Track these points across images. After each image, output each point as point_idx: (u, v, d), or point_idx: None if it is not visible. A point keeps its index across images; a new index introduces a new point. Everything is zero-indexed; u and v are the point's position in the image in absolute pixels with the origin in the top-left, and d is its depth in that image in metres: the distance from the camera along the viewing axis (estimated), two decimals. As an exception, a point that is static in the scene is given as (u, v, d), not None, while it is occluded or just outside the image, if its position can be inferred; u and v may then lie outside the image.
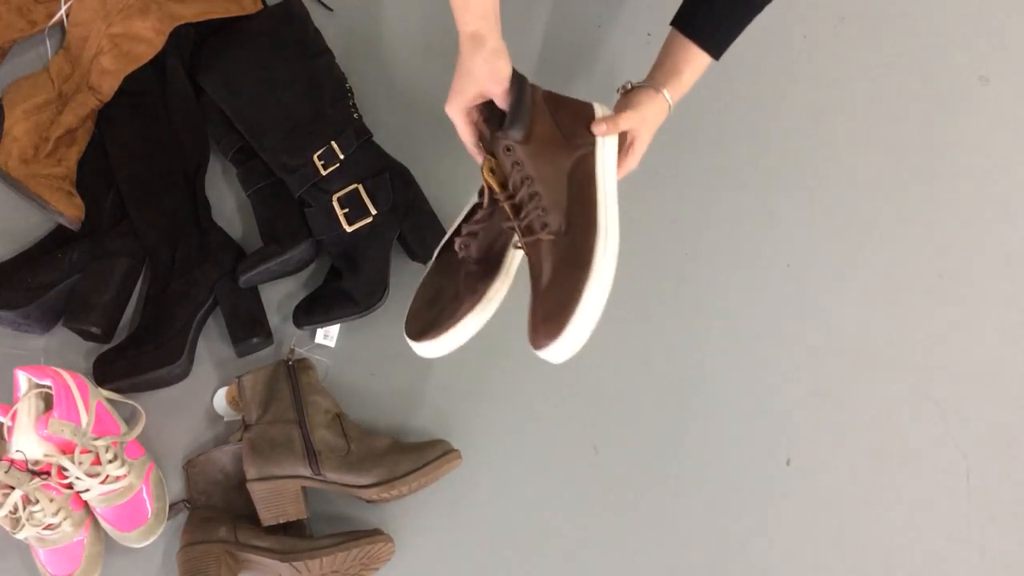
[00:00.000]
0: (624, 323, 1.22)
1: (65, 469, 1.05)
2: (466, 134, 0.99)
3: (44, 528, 1.06)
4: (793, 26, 1.33)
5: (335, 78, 1.22)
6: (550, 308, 0.92)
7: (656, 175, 1.27)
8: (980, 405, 1.22)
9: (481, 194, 1.01)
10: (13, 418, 1.05)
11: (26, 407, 1.05)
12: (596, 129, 0.98)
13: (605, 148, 0.98)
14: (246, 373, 1.14)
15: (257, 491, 1.09)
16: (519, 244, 0.96)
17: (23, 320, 1.15)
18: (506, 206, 0.96)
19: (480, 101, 0.97)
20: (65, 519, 1.07)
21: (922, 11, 1.34)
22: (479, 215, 1.00)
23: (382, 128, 1.24)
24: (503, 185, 0.96)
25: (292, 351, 1.19)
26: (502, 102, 0.96)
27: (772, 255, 1.26)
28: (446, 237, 1.06)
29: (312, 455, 1.09)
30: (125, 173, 1.21)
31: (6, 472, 1.03)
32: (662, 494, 1.18)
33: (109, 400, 1.14)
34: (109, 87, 1.19)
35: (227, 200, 1.25)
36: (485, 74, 0.95)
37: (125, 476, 1.09)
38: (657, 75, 1.02)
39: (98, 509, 1.10)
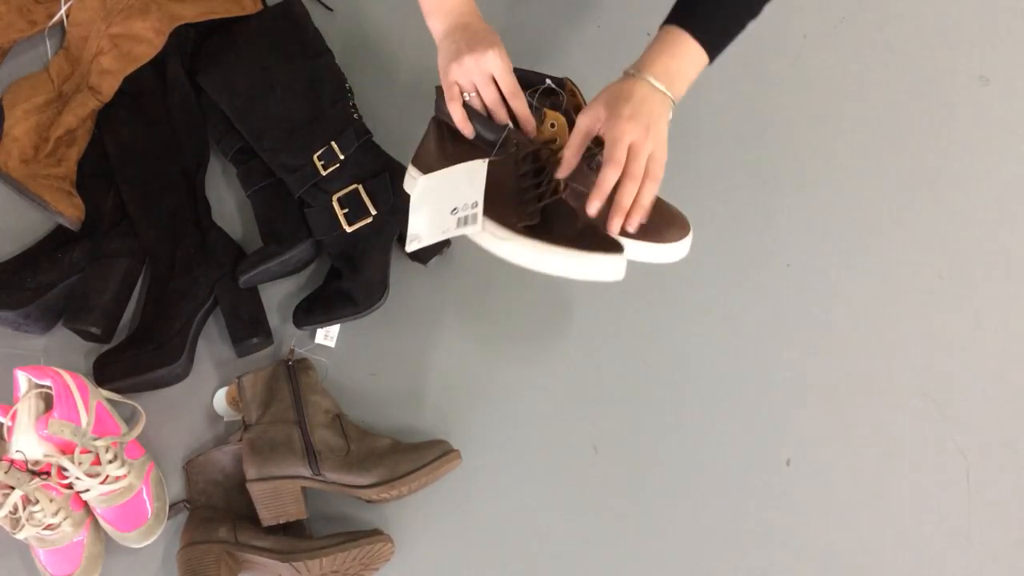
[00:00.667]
0: (624, 323, 1.22)
1: (65, 469, 1.05)
2: (457, 108, 1.00)
3: (44, 528, 1.06)
4: (793, 26, 1.33)
5: (335, 78, 1.22)
6: (663, 207, 1.04)
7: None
8: (980, 405, 1.22)
9: (547, 159, 1.01)
10: (13, 418, 1.05)
11: (26, 407, 1.05)
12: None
13: None
14: (246, 373, 1.14)
15: (257, 491, 1.09)
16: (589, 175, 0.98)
17: (23, 320, 1.15)
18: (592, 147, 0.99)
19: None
20: (65, 519, 1.07)
21: (922, 11, 1.34)
22: (553, 148, 1.02)
23: (382, 128, 1.24)
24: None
25: (292, 351, 1.19)
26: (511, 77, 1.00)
27: (772, 255, 1.26)
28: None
29: (312, 455, 1.09)
30: (125, 173, 1.21)
31: (6, 472, 1.03)
32: (662, 494, 1.18)
33: (109, 400, 1.14)
34: (109, 87, 1.19)
35: (227, 200, 1.25)
36: (487, 45, 0.96)
37: (125, 476, 1.09)
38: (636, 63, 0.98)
39: (98, 509, 1.10)
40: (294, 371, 1.15)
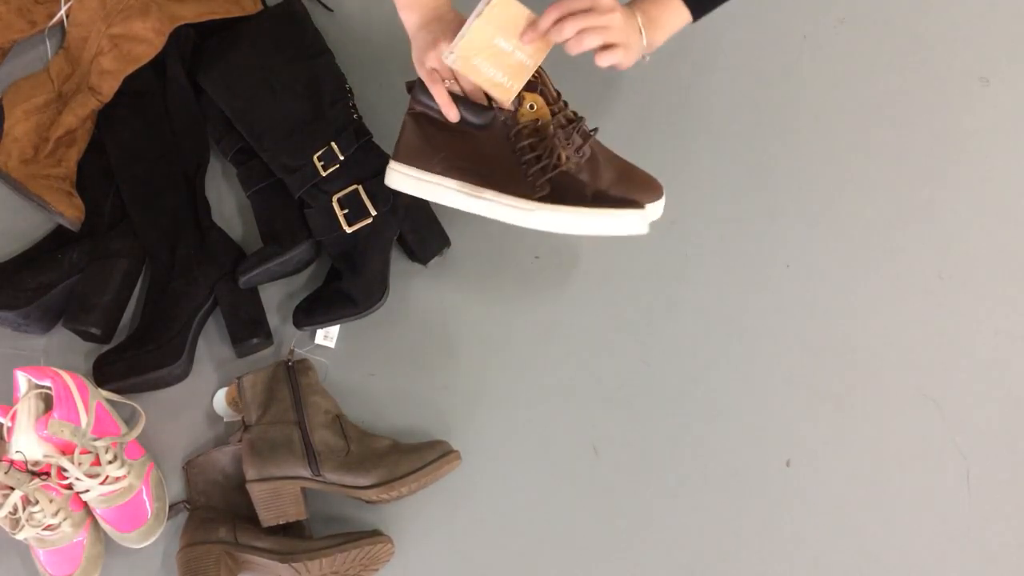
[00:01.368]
0: (624, 323, 1.22)
1: (65, 470, 1.05)
2: (440, 91, 1.04)
3: (44, 529, 1.06)
4: (793, 26, 1.33)
5: (335, 78, 1.22)
6: (639, 170, 1.11)
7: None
8: (980, 405, 1.22)
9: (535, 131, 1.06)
10: (13, 419, 1.05)
11: (26, 408, 1.05)
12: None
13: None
14: (246, 374, 1.14)
15: (257, 492, 1.09)
16: (582, 146, 1.06)
17: (23, 320, 1.15)
18: (562, 116, 1.07)
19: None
20: (65, 520, 1.07)
21: (922, 11, 1.34)
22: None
23: (382, 128, 1.23)
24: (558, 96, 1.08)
25: (292, 352, 1.19)
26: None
27: (772, 255, 1.26)
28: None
29: (312, 456, 1.09)
30: (125, 173, 1.21)
31: (6, 473, 1.03)
32: (662, 494, 1.18)
33: (109, 401, 1.14)
34: (109, 87, 1.19)
35: (227, 200, 1.25)
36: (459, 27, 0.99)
37: (125, 477, 1.09)
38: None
39: (98, 510, 1.10)
40: (294, 371, 1.15)
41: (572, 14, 0.96)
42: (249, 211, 1.23)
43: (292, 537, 1.11)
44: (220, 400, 1.18)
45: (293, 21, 1.24)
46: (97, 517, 1.11)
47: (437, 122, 1.06)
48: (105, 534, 1.13)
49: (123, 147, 1.22)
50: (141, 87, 1.22)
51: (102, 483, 1.07)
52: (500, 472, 1.18)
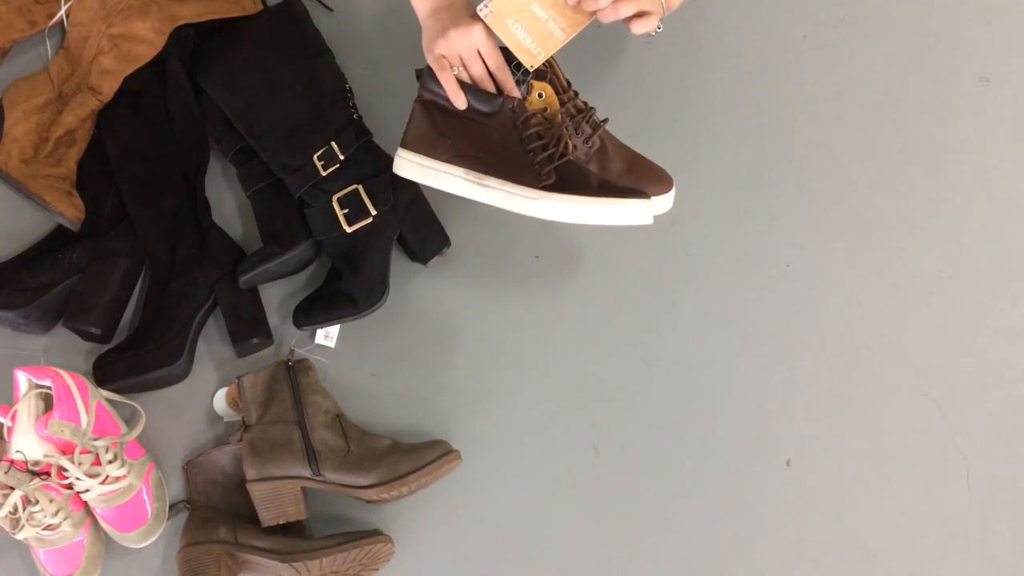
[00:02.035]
0: (624, 323, 1.22)
1: (65, 469, 1.05)
2: (448, 78, 1.04)
3: (44, 528, 1.06)
4: (793, 26, 1.33)
5: (335, 78, 1.22)
6: (648, 161, 1.11)
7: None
8: (980, 405, 1.22)
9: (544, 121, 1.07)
10: (13, 418, 1.05)
11: (26, 407, 1.05)
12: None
13: None
14: (246, 373, 1.14)
15: (257, 492, 1.09)
16: (591, 136, 1.08)
17: (23, 320, 1.15)
18: (572, 106, 1.07)
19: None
20: (65, 519, 1.07)
21: (922, 11, 1.34)
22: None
23: (382, 128, 1.23)
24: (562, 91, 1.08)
25: (292, 351, 1.19)
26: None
27: (772, 255, 1.26)
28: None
29: (312, 456, 1.09)
30: (125, 173, 1.21)
31: (6, 472, 1.03)
32: (662, 494, 1.18)
33: (109, 400, 1.14)
34: (109, 87, 1.19)
35: (227, 200, 1.25)
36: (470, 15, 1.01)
37: (125, 476, 1.09)
38: None
39: (98, 509, 1.10)
40: (294, 371, 1.15)
41: None
42: (249, 211, 1.23)
43: (292, 537, 1.11)
44: (220, 400, 1.18)
45: (293, 21, 1.24)
46: (97, 517, 1.11)
47: (445, 110, 1.06)
48: (105, 534, 1.13)
49: (123, 147, 1.22)
50: (141, 87, 1.22)
51: (102, 483, 1.07)
52: (500, 472, 1.18)
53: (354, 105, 1.22)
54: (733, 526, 1.18)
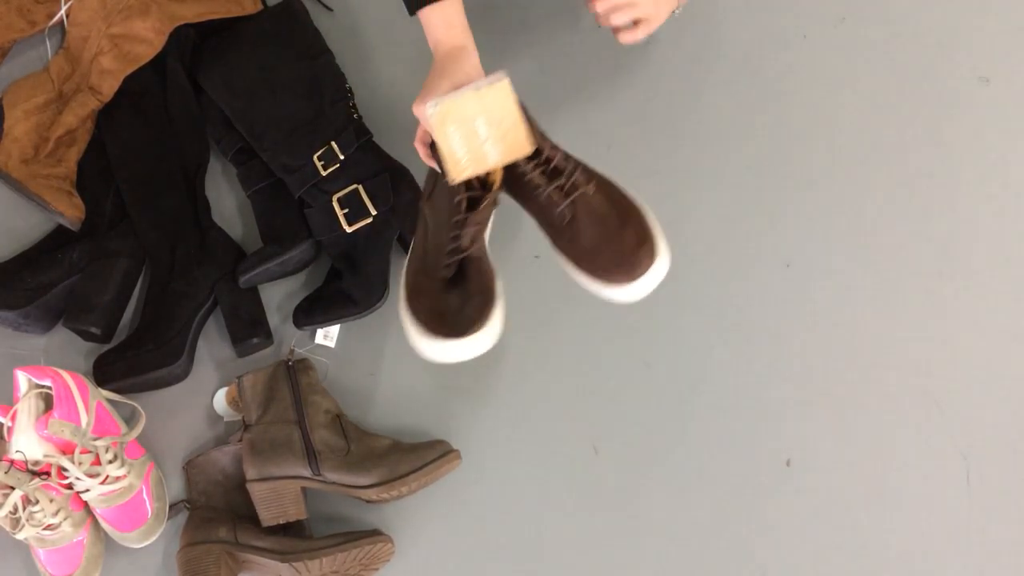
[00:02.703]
0: (624, 323, 1.22)
1: (65, 469, 1.05)
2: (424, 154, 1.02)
3: (44, 528, 1.06)
4: (793, 26, 1.33)
5: (335, 78, 1.22)
6: (631, 245, 0.98)
7: (655, 175, 1.27)
8: (980, 405, 1.22)
9: (469, 187, 1.00)
10: (13, 418, 1.05)
11: (26, 407, 1.05)
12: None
13: None
14: (246, 373, 1.14)
15: (257, 491, 1.09)
16: (559, 209, 0.98)
17: (23, 320, 1.15)
18: (535, 175, 0.98)
19: None
20: (65, 519, 1.07)
21: (922, 11, 1.34)
22: (484, 204, 0.99)
23: (382, 128, 1.24)
24: (534, 155, 0.99)
25: (292, 351, 1.19)
26: None
27: (772, 255, 1.26)
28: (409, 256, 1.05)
29: (312, 455, 1.09)
30: (125, 173, 1.21)
31: (6, 472, 1.03)
32: (662, 494, 1.18)
33: (109, 400, 1.14)
34: (109, 87, 1.19)
35: (227, 200, 1.25)
36: (472, 77, 0.96)
37: (125, 476, 1.09)
38: None
39: (98, 509, 1.10)
40: (294, 371, 1.15)
41: None
42: (249, 211, 1.23)
43: (292, 537, 1.11)
44: (220, 400, 1.18)
45: (293, 21, 1.24)
46: (97, 517, 1.11)
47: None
48: (105, 534, 1.13)
49: (123, 147, 1.22)
50: (141, 87, 1.22)
51: (102, 483, 1.07)
52: (500, 472, 1.18)
53: (354, 105, 1.22)
54: (733, 526, 1.18)
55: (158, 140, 1.22)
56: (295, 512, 1.10)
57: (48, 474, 1.06)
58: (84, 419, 1.06)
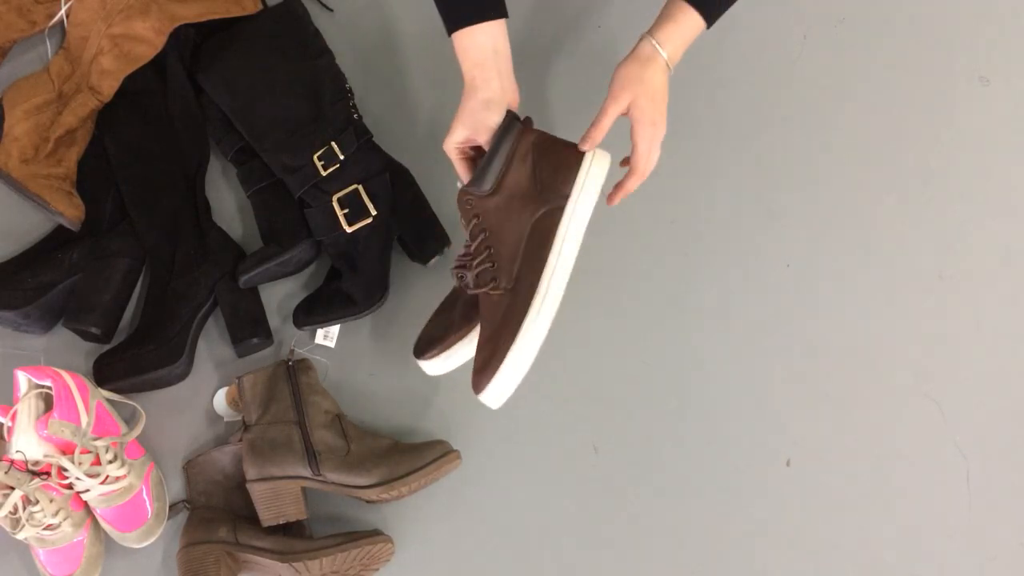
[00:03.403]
0: (624, 323, 1.22)
1: (65, 469, 1.05)
2: (461, 169, 1.01)
3: (44, 528, 1.06)
4: (793, 26, 1.33)
5: (335, 78, 1.22)
6: (484, 359, 0.95)
7: (655, 175, 1.26)
8: (980, 405, 1.22)
9: None
10: (13, 418, 1.05)
11: (26, 407, 1.05)
12: (582, 145, 0.98)
13: (577, 205, 0.97)
14: (246, 373, 1.14)
15: (257, 491, 1.09)
16: (470, 289, 0.98)
17: (23, 320, 1.15)
18: (464, 251, 0.99)
19: (469, 144, 0.99)
20: (65, 519, 1.07)
21: (922, 11, 1.34)
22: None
23: (382, 128, 1.24)
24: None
25: (292, 351, 1.19)
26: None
27: (772, 255, 1.26)
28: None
29: (312, 455, 1.09)
30: (125, 173, 1.21)
31: (6, 472, 1.03)
32: (662, 494, 1.18)
33: (109, 400, 1.14)
34: (109, 87, 1.19)
35: (227, 200, 1.25)
36: (471, 123, 0.96)
37: (125, 476, 1.09)
38: (645, 35, 0.99)
39: (98, 509, 1.10)
40: (294, 371, 1.15)
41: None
42: (249, 211, 1.23)
43: (292, 537, 1.11)
44: (220, 400, 1.18)
45: (293, 21, 1.24)
46: (97, 517, 1.11)
47: None
48: (105, 534, 1.13)
49: (123, 147, 1.22)
50: (141, 87, 1.22)
51: (102, 483, 1.07)
52: (500, 472, 1.18)
53: (354, 105, 1.22)
54: (733, 526, 1.18)
55: (158, 140, 1.22)
56: (295, 512, 1.10)
57: (48, 474, 1.06)
58: (84, 419, 1.06)
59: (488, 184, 0.96)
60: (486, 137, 0.97)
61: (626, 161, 1.01)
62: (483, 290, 0.96)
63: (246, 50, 1.22)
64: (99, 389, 1.12)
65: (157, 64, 1.22)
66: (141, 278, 1.22)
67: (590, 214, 0.98)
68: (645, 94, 0.96)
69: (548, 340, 1.22)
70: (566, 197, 0.97)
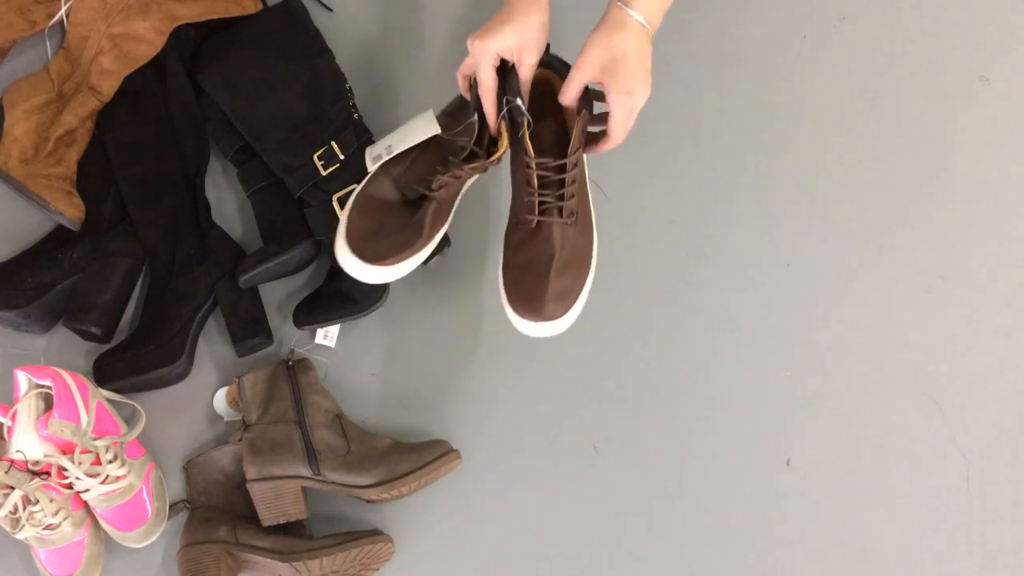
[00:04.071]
0: (624, 323, 1.22)
1: (65, 469, 1.05)
2: (488, 77, 0.97)
3: (44, 528, 1.06)
4: (793, 26, 1.33)
5: (335, 78, 1.22)
6: (565, 287, 0.99)
7: (655, 175, 1.27)
8: (980, 405, 1.22)
9: (477, 141, 1.02)
10: (13, 418, 1.05)
11: (26, 407, 1.05)
12: (561, 99, 0.98)
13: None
14: (246, 373, 1.14)
15: (257, 491, 1.09)
16: (529, 216, 0.99)
17: (23, 320, 1.15)
18: (534, 175, 0.99)
19: (505, 55, 0.96)
20: (65, 519, 1.07)
21: (922, 11, 1.34)
22: (476, 163, 1.01)
23: (382, 128, 1.23)
24: (550, 154, 0.99)
25: (292, 351, 1.19)
26: (525, 70, 0.97)
27: (772, 255, 1.26)
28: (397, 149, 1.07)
29: (312, 455, 1.09)
30: (125, 173, 1.21)
31: (6, 472, 1.03)
32: (662, 494, 1.18)
33: (109, 400, 1.14)
34: (109, 87, 1.19)
35: (227, 200, 1.25)
36: (528, 38, 0.94)
37: (125, 476, 1.09)
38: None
39: (98, 509, 1.10)
40: (294, 371, 1.15)
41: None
42: (249, 211, 1.23)
43: (292, 536, 1.11)
44: (220, 400, 1.18)
45: (293, 21, 1.24)
46: (97, 517, 1.11)
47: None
48: (105, 534, 1.13)
49: (123, 147, 1.22)
50: (141, 87, 1.22)
51: (102, 483, 1.07)
52: (500, 472, 1.18)
53: (354, 105, 1.22)
54: (733, 526, 1.18)
55: (158, 140, 1.22)
56: (295, 512, 1.10)
57: (48, 474, 1.06)
58: (84, 419, 1.06)
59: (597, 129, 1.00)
60: (530, 58, 0.95)
61: (604, 119, 0.98)
62: (559, 219, 0.99)
63: (246, 50, 1.21)
64: (99, 389, 1.12)
65: (157, 64, 1.22)
66: (141, 278, 1.22)
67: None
68: (615, 61, 0.93)
69: (547, 340, 1.22)
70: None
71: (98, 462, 1.07)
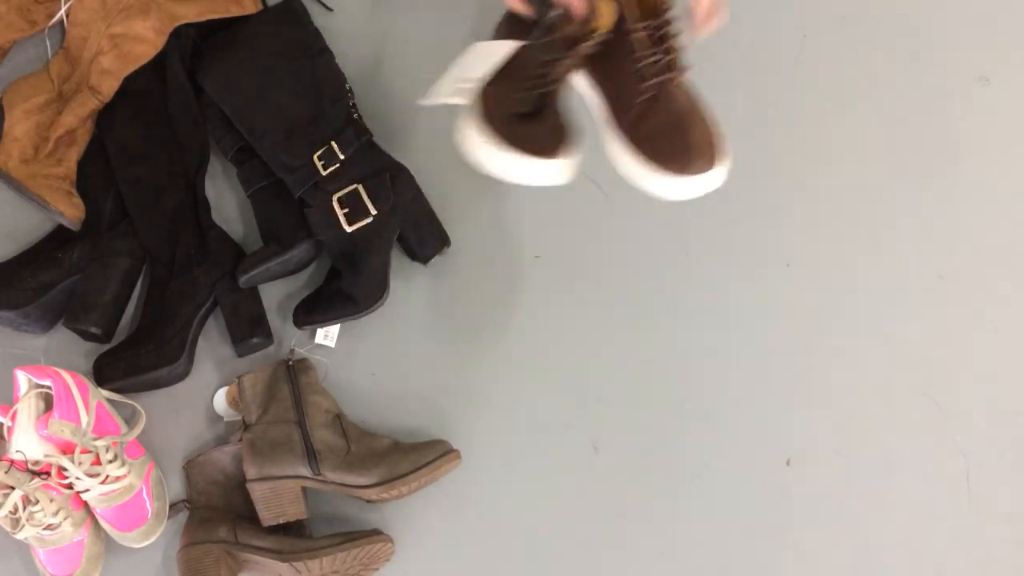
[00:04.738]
0: (624, 323, 1.22)
1: (65, 469, 1.05)
2: None
3: (44, 528, 1.06)
4: (793, 26, 1.33)
5: (335, 78, 1.22)
6: (693, 141, 0.95)
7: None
8: (980, 405, 1.22)
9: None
10: (13, 418, 1.05)
11: (26, 407, 1.05)
12: None
13: None
14: (246, 373, 1.14)
15: (257, 491, 1.09)
16: (645, 84, 0.95)
17: (23, 320, 1.15)
18: (642, 37, 0.95)
19: None
20: (65, 519, 1.07)
21: (922, 11, 1.34)
22: (588, 42, 0.96)
23: (382, 128, 1.24)
24: (650, 14, 0.95)
25: (292, 351, 1.19)
26: None
27: (772, 255, 1.26)
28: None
29: (312, 455, 1.09)
30: (125, 173, 1.21)
31: (6, 472, 1.03)
32: (662, 493, 1.18)
33: (109, 400, 1.14)
34: (109, 87, 1.19)
35: (227, 200, 1.25)
36: None
37: (125, 476, 1.09)
38: None
39: (98, 509, 1.10)
40: (294, 371, 1.15)
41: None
42: (249, 211, 1.23)
43: (292, 536, 1.11)
44: (220, 400, 1.18)
45: (293, 21, 1.24)
46: (97, 517, 1.11)
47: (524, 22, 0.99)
48: (105, 534, 1.13)
49: (123, 147, 1.22)
50: (141, 87, 1.22)
51: (102, 482, 1.07)
52: (500, 471, 1.18)
53: (354, 105, 1.22)
54: (733, 526, 1.18)
55: (158, 140, 1.22)
56: (295, 512, 1.10)
57: (48, 474, 1.06)
58: (84, 419, 1.06)
59: None
60: None
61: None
62: (672, 75, 0.97)
63: (246, 50, 1.22)
64: (99, 389, 1.12)
65: (157, 64, 1.22)
66: (141, 278, 1.22)
67: None
68: None
69: (547, 340, 1.23)
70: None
71: (98, 462, 1.07)
